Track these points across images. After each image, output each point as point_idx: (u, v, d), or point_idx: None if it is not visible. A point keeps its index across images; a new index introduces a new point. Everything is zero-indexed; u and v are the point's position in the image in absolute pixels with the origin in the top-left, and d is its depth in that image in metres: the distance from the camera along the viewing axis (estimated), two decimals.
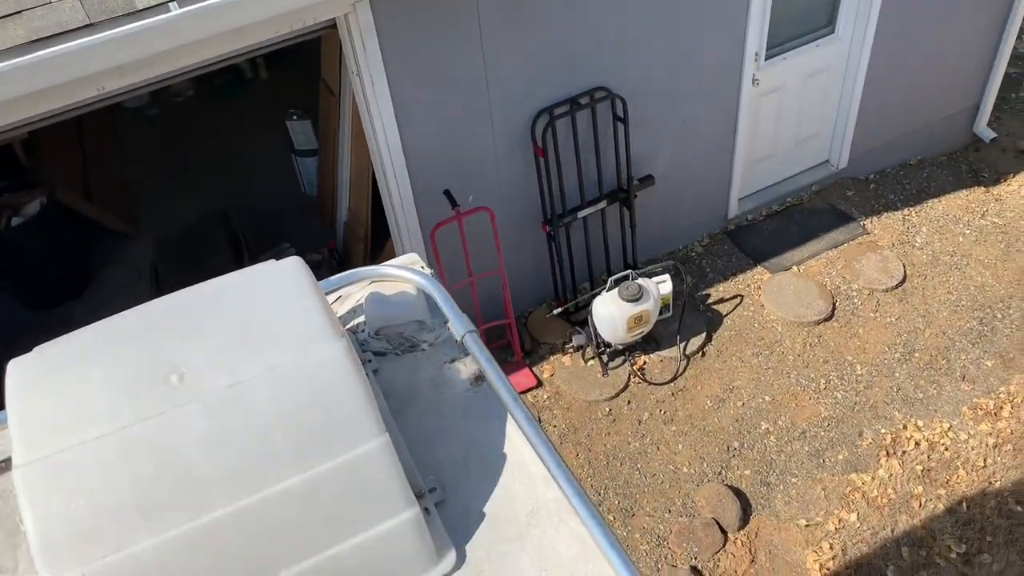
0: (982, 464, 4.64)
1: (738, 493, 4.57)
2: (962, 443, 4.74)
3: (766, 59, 5.31)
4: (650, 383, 5.11)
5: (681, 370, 5.16)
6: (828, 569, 4.30)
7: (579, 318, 5.30)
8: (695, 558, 4.35)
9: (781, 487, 4.62)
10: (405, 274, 1.56)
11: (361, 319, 1.50)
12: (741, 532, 4.45)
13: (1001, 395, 4.95)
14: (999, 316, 5.37)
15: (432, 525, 1.19)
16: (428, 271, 1.57)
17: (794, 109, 5.75)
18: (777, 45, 5.37)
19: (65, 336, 1.24)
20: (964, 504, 4.49)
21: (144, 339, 1.18)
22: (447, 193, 4.54)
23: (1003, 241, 5.83)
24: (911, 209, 6.10)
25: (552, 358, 5.29)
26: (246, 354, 1.18)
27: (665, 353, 5.20)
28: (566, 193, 4.93)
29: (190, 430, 1.10)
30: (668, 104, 5.05)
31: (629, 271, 4.88)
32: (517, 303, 5.23)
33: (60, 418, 1.10)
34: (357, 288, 1.54)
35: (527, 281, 5.27)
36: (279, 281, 1.27)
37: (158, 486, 1.07)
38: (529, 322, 5.43)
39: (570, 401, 5.05)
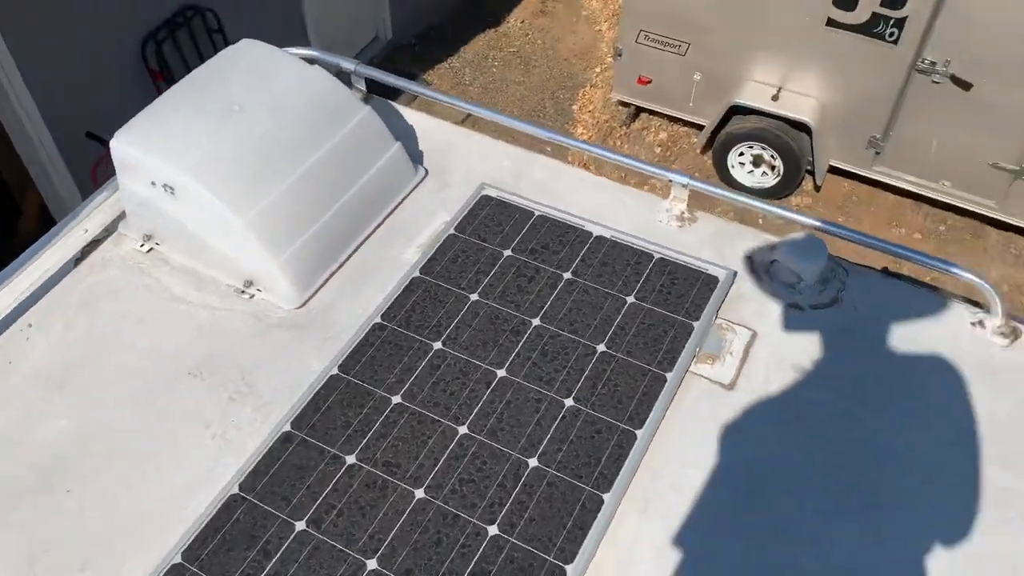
0: None
1: None
2: None
3: None
4: None
5: None
6: None
7: None
8: None
9: None
10: None
11: None
12: None
13: None
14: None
15: (406, 157, 2.00)
16: None
17: None
18: None
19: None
20: None
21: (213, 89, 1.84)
22: (90, 135, 4.72)
23: (522, 63, 7.53)
24: (452, 58, 7.51)
25: None
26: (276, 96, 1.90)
27: None
28: None
29: (260, 125, 1.80)
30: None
31: None
32: None
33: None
34: None
35: None
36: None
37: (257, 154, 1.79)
38: None
39: None
